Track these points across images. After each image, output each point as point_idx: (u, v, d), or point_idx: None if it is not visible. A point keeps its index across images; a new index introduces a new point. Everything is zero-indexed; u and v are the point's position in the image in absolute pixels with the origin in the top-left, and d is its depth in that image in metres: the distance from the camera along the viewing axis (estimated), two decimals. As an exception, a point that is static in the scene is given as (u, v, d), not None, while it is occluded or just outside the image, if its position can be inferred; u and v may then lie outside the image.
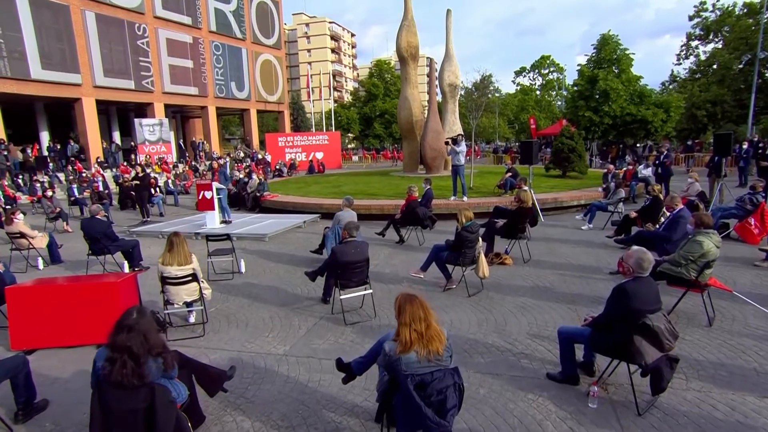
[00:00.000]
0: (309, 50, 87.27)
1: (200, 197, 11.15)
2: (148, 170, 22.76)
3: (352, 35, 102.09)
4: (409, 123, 18.61)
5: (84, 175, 19.35)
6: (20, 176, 18.23)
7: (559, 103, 57.07)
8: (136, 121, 25.66)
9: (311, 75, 48.01)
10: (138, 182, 12.63)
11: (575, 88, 34.06)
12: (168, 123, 27.55)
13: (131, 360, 2.56)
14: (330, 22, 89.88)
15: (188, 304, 5.33)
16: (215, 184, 11.19)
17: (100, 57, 23.38)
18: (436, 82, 19.67)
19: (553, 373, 3.91)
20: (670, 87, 40.04)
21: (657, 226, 7.33)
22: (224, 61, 31.69)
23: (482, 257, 5.98)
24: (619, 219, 9.03)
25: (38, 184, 14.56)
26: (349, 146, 62.13)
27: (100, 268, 7.73)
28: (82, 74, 22.52)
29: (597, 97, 31.30)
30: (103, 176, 19.63)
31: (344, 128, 51.97)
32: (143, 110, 27.61)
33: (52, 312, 4.66)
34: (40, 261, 8.03)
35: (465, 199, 11.84)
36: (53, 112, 25.51)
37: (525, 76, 63.81)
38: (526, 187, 8.81)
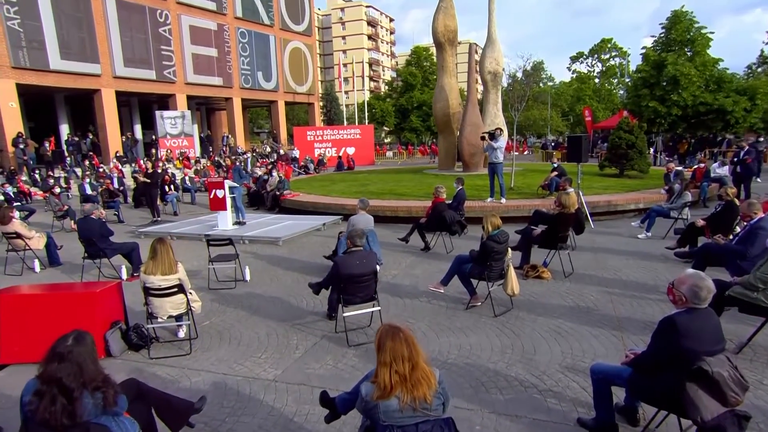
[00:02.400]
0: (344, 37, 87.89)
1: (212, 196, 11.17)
2: (167, 165, 23.46)
3: (391, 20, 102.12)
4: (446, 115, 18.19)
5: (101, 170, 20.02)
6: (37, 171, 19.00)
7: (621, 92, 54.84)
8: (158, 113, 26.39)
9: (345, 64, 48.21)
10: (148, 179, 12.80)
11: (638, 74, 32.50)
12: (191, 115, 28.22)
13: (62, 395, 2.36)
14: (367, 7, 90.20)
15: (178, 318, 5.21)
16: (228, 183, 11.17)
17: (120, 46, 24.14)
18: (476, 71, 19.15)
19: (586, 418, 3.48)
20: (759, 70, 37.45)
21: (730, 237, 6.67)
22: (250, 49, 32.15)
23: (511, 271, 5.56)
24: (684, 227, 8.34)
25: (51, 180, 15.07)
26: (385, 141, 62.10)
27: (100, 273, 7.80)
28: (102, 64, 23.31)
29: (664, 84, 29.69)
30: (121, 172, 20.25)
31: (378, 121, 51.87)
32: (166, 102, 28.36)
33: (21, 325, 4.61)
34: (37, 263, 8.18)
35: (503, 201, 11.35)
36: (74, 105, 26.59)
37: (582, 62, 61.87)
38: (570, 189, 8.27)
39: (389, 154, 43.66)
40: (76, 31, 22.37)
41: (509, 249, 5.66)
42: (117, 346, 4.90)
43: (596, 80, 58.45)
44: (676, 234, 8.59)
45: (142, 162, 23.48)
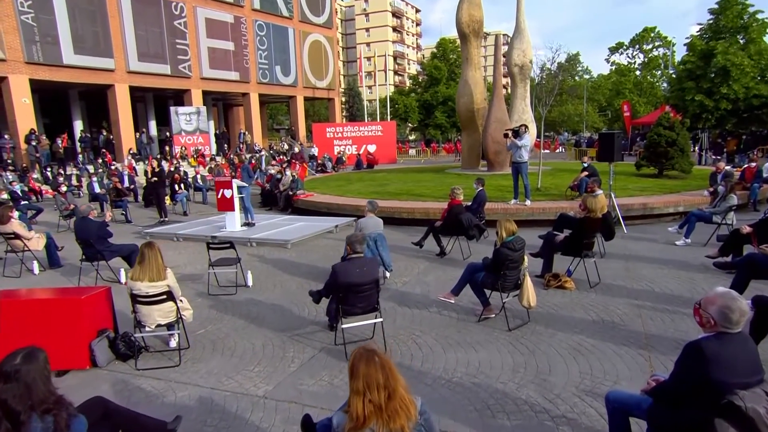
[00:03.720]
0: (367, 29, 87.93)
1: (219, 196, 11.18)
2: (181, 163, 23.77)
3: (417, 11, 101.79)
4: (470, 111, 17.91)
5: (113, 167, 20.39)
6: (49, 168, 19.46)
7: (665, 85, 53.33)
8: (172, 109, 26.79)
9: (368, 57, 48.23)
10: (156, 178, 12.91)
11: (683, 66, 31.46)
12: (206, 111, 28.55)
13: (6, 419, 2.26)
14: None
15: (169, 327, 5.14)
16: (236, 182, 11.17)
17: (135, 40, 24.58)
18: (503, 63, 18.79)
19: (602, 452, 3.24)
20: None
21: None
22: (268, 42, 32.38)
23: (528, 281, 5.32)
24: (728, 234, 7.92)
25: (61, 178, 15.36)
26: (410, 137, 61.89)
27: (98, 276, 7.84)
28: (116, 59, 23.78)
29: (712, 76, 28.62)
30: (134, 170, 20.60)
31: (401, 117, 51.66)
32: (181, 98, 28.75)
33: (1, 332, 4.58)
34: (36, 265, 8.28)
35: (528, 203, 11.05)
36: (89, 100, 27.22)
37: (622, 53, 60.32)
38: (599, 191, 7.93)
39: (412, 152, 43.39)
40: (90, 24, 22.86)
41: (525, 257, 5.41)
42: (103, 356, 4.85)
43: (637, 72, 56.92)
44: (718, 241, 8.16)
45: (154, 160, 23.87)
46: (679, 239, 9.13)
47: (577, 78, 62.92)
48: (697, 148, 27.61)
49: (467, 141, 18.83)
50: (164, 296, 4.82)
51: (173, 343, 5.27)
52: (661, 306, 5.91)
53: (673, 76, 36.54)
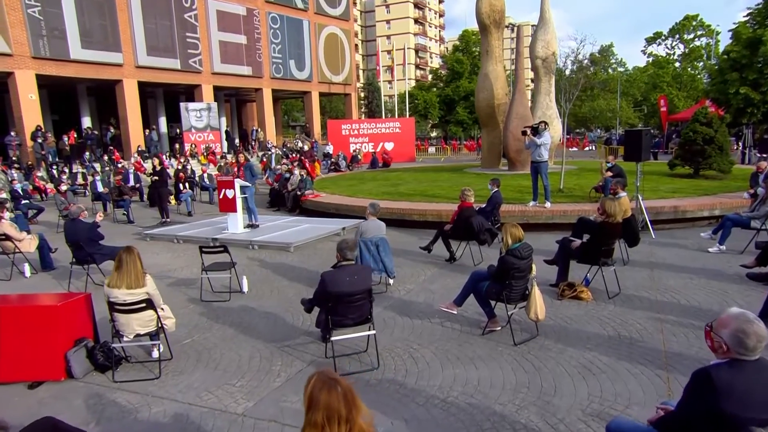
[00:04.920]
0: (388, 21, 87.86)
1: (221, 196, 11.17)
2: (190, 161, 23.98)
3: (440, 1, 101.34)
4: (490, 107, 17.65)
5: (120, 165, 20.67)
6: (54, 166, 19.79)
7: (707, 78, 51.95)
8: (182, 105, 27.06)
9: (387, 50, 48.08)
10: (156, 177, 12.98)
11: (726, 56, 30.46)
12: (217, 108, 28.78)
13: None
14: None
15: (152, 336, 5.07)
16: (239, 182, 11.13)
17: (144, 33, 24.90)
18: (526, 56, 18.48)
19: (604, 487, 3.04)
20: None
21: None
22: (282, 35, 32.52)
23: (536, 292, 5.11)
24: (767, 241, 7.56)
25: (65, 176, 15.59)
26: (431, 135, 61.54)
27: (89, 279, 7.85)
28: (124, 53, 24.12)
29: (759, 66, 27.58)
30: (141, 168, 20.84)
31: (421, 114, 51.37)
32: (193, 93, 29.02)
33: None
34: (27, 267, 8.35)
35: (548, 205, 10.78)
36: (97, 96, 27.67)
37: (660, 43, 59.06)
38: (622, 193, 7.66)
39: (432, 150, 43.11)
40: (98, 18, 23.21)
41: (534, 265, 5.20)
42: (80, 366, 4.80)
43: (677, 64, 55.65)
44: (757, 249, 7.80)
45: (164, 157, 24.13)
46: (712, 246, 8.76)
47: (610, 71, 61.84)
48: (740, 145, 26.72)
49: (487, 139, 18.56)
50: (143, 304, 4.75)
51: (155, 354, 5.21)
52: (686, 321, 5.63)
53: (715, 67, 35.50)
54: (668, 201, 11.20)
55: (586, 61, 16.42)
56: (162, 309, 5.00)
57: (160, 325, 4.95)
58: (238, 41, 29.73)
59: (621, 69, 63.89)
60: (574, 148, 40.41)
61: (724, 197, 11.65)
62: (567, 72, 16.80)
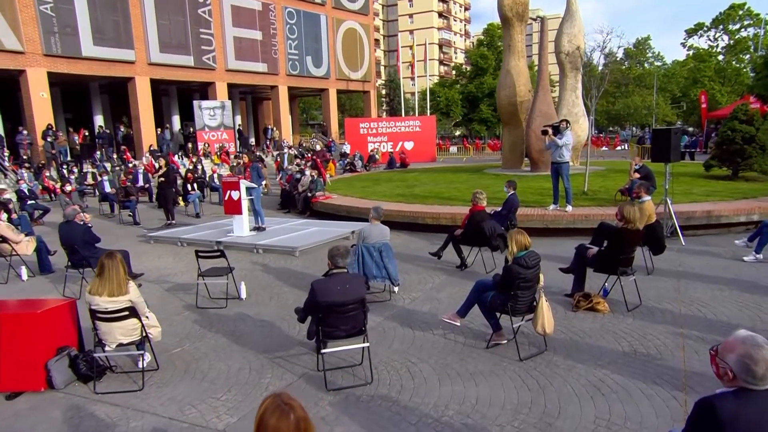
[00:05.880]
0: (411, 15, 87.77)
1: (226, 198, 11.18)
2: (203, 161, 24.21)
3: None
4: (512, 104, 17.40)
5: (131, 165, 20.95)
6: (65, 166, 20.16)
7: (753, 72, 50.48)
8: (195, 103, 27.37)
9: (409, 46, 47.93)
10: (163, 178, 13.09)
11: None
12: (231, 106, 29.00)
13: None
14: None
15: (138, 346, 5.03)
16: (244, 183, 11.12)
17: (156, 29, 25.24)
18: (551, 50, 18.18)
19: None
20: None
21: None
22: (299, 31, 32.65)
23: (543, 304, 4.93)
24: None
25: (73, 176, 15.83)
26: (455, 133, 61.20)
27: (84, 283, 7.90)
28: (136, 50, 24.48)
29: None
30: (153, 168, 21.07)
31: (443, 111, 51.05)
32: (207, 91, 29.31)
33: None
34: (24, 270, 8.45)
35: (569, 208, 10.52)
36: (110, 94, 28.13)
37: (702, 35, 57.56)
38: (646, 197, 7.40)
39: (453, 149, 42.81)
40: (110, 14, 23.61)
41: (541, 275, 5.02)
42: (61, 376, 4.78)
43: (720, 57, 54.15)
44: (795, 257, 7.49)
45: (175, 158, 24.40)
46: (747, 254, 8.41)
47: (646, 65, 60.68)
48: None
49: (509, 138, 18.31)
50: (125, 312, 4.71)
51: (141, 364, 5.17)
52: (710, 337, 5.37)
53: (760, 59, 34.46)
54: (701, 205, 10.83)
55: (618, 55, 16.05)
56: (147, 317, 4.97)
57: (144, 334, 4.91)
58: (253, 37, 29.94)
59: (658, 63, 62.68)
60: (605, 148, 39.66)
61: (764, 201, 11.22)
62: (599, 67, 16.46)
